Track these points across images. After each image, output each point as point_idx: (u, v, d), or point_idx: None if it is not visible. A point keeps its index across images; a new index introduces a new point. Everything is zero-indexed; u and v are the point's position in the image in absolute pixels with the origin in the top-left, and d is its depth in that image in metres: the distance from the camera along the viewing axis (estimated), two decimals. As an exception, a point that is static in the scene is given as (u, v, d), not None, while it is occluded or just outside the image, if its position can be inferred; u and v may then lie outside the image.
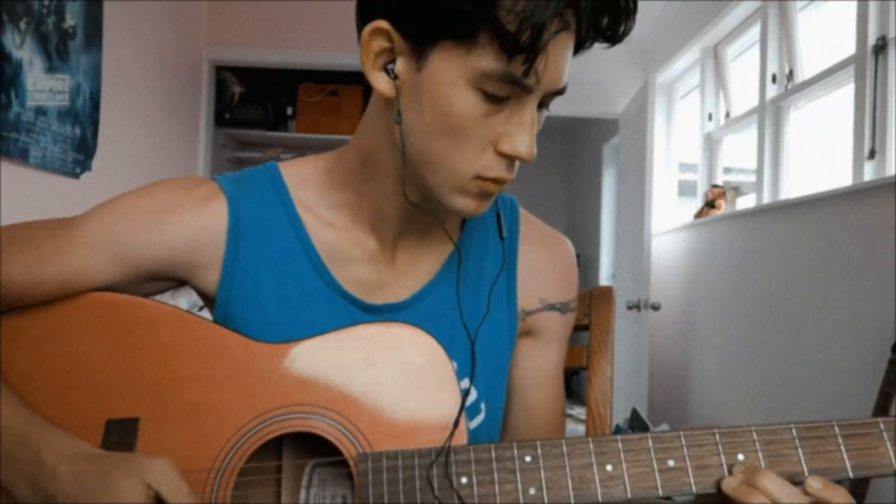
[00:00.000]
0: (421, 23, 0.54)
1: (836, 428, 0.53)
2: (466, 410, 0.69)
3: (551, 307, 0.74)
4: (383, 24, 0.55)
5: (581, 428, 0.95)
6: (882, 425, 0.53)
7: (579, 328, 0.94)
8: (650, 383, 3.09)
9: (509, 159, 0.58)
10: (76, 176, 2.24)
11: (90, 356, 0.61)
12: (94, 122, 2.32)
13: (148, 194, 0.66)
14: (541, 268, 0.73)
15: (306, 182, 0.69)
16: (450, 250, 0.70)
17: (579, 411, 4.27)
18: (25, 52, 1.91)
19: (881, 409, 1.60)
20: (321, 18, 3.42)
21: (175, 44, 3.08)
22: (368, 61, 0.57)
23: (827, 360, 2.01)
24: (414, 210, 0.65)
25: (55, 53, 2.06)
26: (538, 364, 0.74)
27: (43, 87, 2.01)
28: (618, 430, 3.03)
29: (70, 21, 2.13)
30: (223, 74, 3.75)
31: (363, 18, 0.57)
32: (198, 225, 0.65)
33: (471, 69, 0.53)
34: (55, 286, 0.62)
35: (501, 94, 0.54)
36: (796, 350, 2.18)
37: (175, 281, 0.68)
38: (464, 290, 0.69)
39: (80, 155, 2.25)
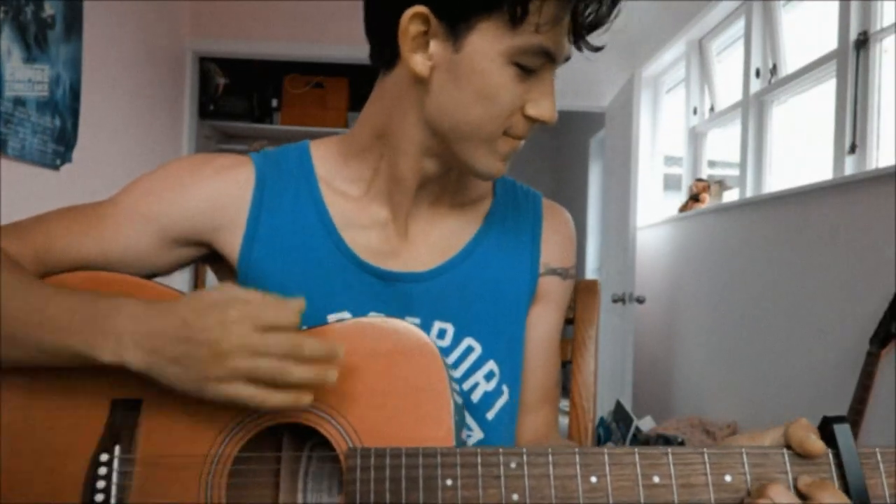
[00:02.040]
0: (465, 7, 0.59)
1: (830, 456, 0.51)
2: (488, 396, 0.71)
3: (553, 272, 0.77)
4: (423, 9, 0.60)
5: (565, 420, 0.95)
6: (879, 455, 0.51)
7: (565, 321, 0.94)
8: (634, 376, 3.12)
9: (532, 121, 0.65)
10: (56, 168, 2.20)
11: None
12: (75, 114, 2.29)
13: (178, 162, 0.71)
14: (543, 234, 0.77)
15: (326, 158, 0.73)
16: (474, 232, 0.74)
17: (564, 404, 4.30)
18: (3, 42, 1.88)
19: (859, 401, 1.63)
20: (307, 9, 3.39)
21: (158, 35, 3.04)
22: (406, 45, 0.62)
23: (808, 353, 2.03)
24: (429, 183, 0.71)
25: (34, 43, 2.03)
26: (539, 329, 0.77)
27: (21, 77, 1.98)
28: (602, 423, 3.06)
29: (49, 10, 2.09)
30: (207, 66, 3.71)
31: (399, 6, 0.61)
32: (221, 186, 0.69)
33: (509, 46, 0.60)
34: (92, 257, 0.66)
35: (534, 65, 0.62)
36: (778, 342, 2.21)
37: (202, 247, 0.71)
38: (487, 271, 0.73)
39: (60, 146, 2.22)
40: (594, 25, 0.61)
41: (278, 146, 0.76)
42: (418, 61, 0.62)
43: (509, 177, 0.80)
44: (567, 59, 0.64)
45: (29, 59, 2.01)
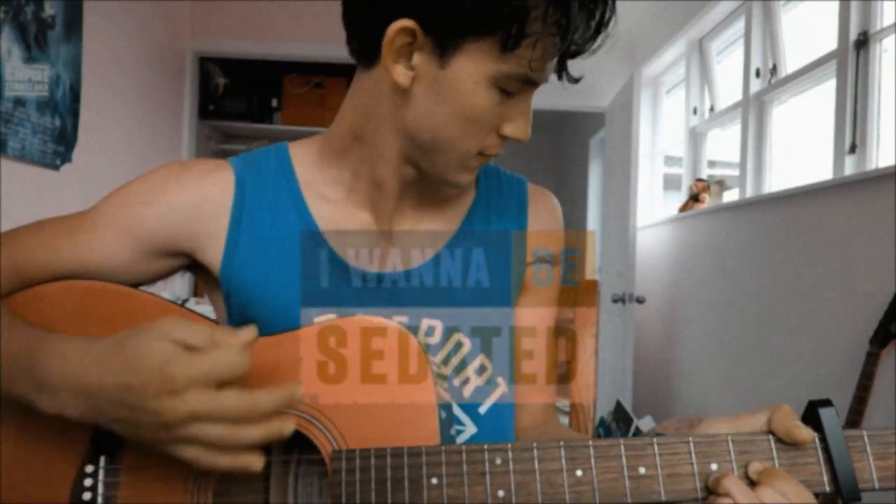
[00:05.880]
0: (456, 29, 0.58)
1: (816, 440, 0.51)
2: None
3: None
4: (411, 23, 0.58)
5: (565, 420, 0.95)
6: (866, 438, 0.51)
7: (564, 321, 0.94)
8: (634, 376, 3.12)
9: (506, 139, 0.65)
10: (56, 168, 2.20)
11: None
12: (75, 114, 2.29)
13: (155, 171, 0.70)
14: (529, 221, 0.76)
15: (306, 160, 0.72)
16: (456, 227, 0.73)
17: (564, 403, 4.28)
18: (3, 42, 1.88)
19: (859, 401, 1.63)
20: (307, 10, 3.39)
21: (158, 35, 3.04)
22: (389, 54, 0.60)
23: (808, 353, 2.03)
24: (410, 186, 0.70)
25: (34, 43, 2.03)
26: (530, 318, 0.76)
27: (21, 77, 1.98)
28: (602, 423, 3.06)
29: (49, 11, 2.09)
30: (207, 66, 3.71)
31: (386, 15, 0.59)
32: (200, 193, 0.68)
33: (496, 70, 0.59)
34: (71, 269, 0.65)
35: (515, 89, 0.62)
36: (778, 342, 2.21)
37: (183, 257, 0.70)
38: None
39: (61, 146, 2.22)
40: (578, 54, 0.61)
41: (257, 148, 0.74)
42: (400, 72, 0.61)
43: (493, 162, 0.79)
44: (545, 81, 0.64)
45: (29, 59, 2.01)
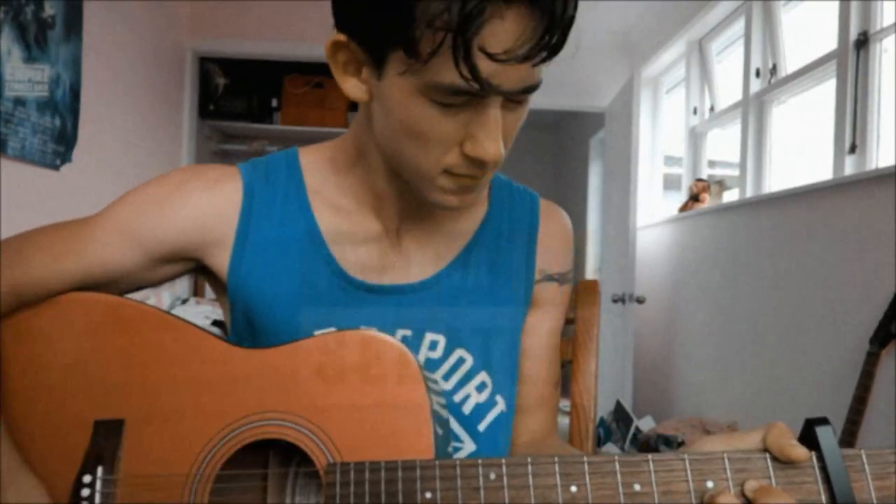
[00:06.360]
0: (370, 38, 0.56)
1: (813, 459, 0.50)
2: (480, 407, 0.70)
3: (550, 278, 0.75)
4: (341, 37, 0.58)
5: (566, 420, 0.95)
6: (864, 457, 0.50)
7: (565, 321, 0.94)
8: (634, 376, 3.12)
9: (472, 160, 0.58)
10: (56, 167, 2.21)
11: (78, 356, 0.61)
12: (75, 114, 2.29)
13: (163, 178, 0.69)
14: (539, 239, 0.75)
15: (316, 167, 0.71)
16: (468, 239, 0.72)
17: (564, 404, 4.28)
18: (3, 42, 1.88)
19: (859, 401, 1.63)
20: (307, 10, 3.39)
21: (158, 35, 3.04)
22: (337, 70, 0.60)
23: (808, 353, 2.03)
24: (412, 197, 0.68)
25: (34, 43, 2.03)
26: (536, 335, 0.75)
27: (21, 77, 1.98)
28: (602, 423, 3.06)
29: (49, 11, 2.09)
30: (207, 66, 3.71)
31: (336, 25, 0.59)
32: (208, 202, 0.67)
33: (420, 82, 0.54)
34: (77, 278, 0.64)
35: (452, 102, 0.54)
36: (778, 342, 2.21)
37: (190, 262, 0.69)
38: (480, 280, 0.71)
39: (61, 146, 2.22)
40: (526, 56, 0.51)
41: (267, 154, 0.74)
42: (352, 86, 0.60)
43: (505, 176, 0.78)
44: (526, 91, 0.55)
45: (29, 59, 2.01)
